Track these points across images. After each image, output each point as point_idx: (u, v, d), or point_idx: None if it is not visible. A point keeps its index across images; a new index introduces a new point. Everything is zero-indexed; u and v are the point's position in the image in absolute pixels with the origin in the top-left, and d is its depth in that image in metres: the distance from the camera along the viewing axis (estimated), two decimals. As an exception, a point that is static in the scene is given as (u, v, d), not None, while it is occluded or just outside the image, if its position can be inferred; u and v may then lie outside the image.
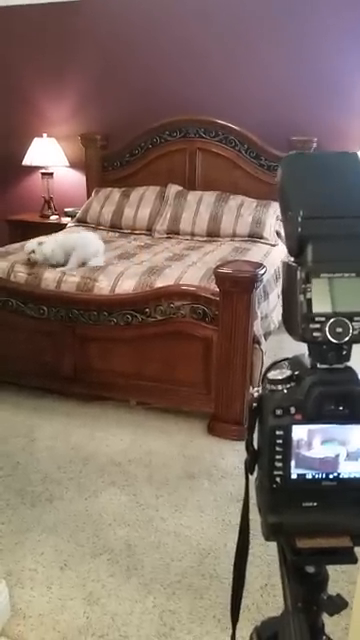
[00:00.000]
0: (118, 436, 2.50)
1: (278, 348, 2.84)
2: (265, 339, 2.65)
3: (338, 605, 0.56)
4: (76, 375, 2.70)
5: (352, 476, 0.48)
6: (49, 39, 4.34)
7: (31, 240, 2.90)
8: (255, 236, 3.49)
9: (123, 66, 4.17)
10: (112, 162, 4.23)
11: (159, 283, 2.60)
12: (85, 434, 2.51)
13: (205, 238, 3.59)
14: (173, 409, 2.66)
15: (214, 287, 2.41)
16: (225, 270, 2.36)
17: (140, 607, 1.61)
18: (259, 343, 2.50)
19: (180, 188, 3.88)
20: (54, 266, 2.81)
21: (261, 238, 3.47)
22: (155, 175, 4.03)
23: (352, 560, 0.50)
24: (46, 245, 2.82)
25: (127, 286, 2.64)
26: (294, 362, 0.52)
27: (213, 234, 3.58)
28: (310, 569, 0.54)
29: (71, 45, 4.29)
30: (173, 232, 3.68)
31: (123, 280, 2.67)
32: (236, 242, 3.48)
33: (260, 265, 2.45)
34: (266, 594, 1.65)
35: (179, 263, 2.90)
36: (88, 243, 2.93)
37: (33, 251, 2.80)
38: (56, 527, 1.92)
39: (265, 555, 1.73)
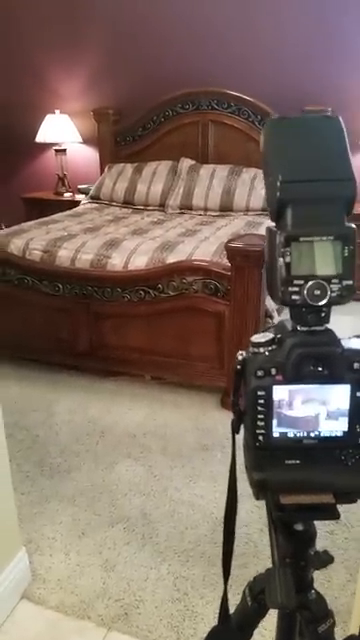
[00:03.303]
0: (133, 410, 2.55)
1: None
2: (278, 314, 2.65)
3: (324, 560, 0.58)
4: (92, 351, 2.75)
5: (333, 435, 0.49)
6: (59, 14, 4.29)
7: None
8: (269, 209, 3.46)
9: (134, 39, 4.12)
10: (125, 137, 4.21)
11: (171, 259, 2.61)
12: (101, 408, 2.56)
13: (218, 213, 3.57)
14: (187, 383, 2.69)
15: (226, 262, 2.41)
16: (236, 244, 2.35)
17: (155, 573, 1.66)
18: (271, 317, 2.50)
19: (193, 162, 3.85)
20: None
21: (275, 211, 3.43)
22: (168, 149, 4.00)
23: (335, 516, 0.52)
24: None
25: (139, 262, 2.65)
26: (279, 326, 0.53)
27: (226, 208, 3.56)
28: (299, 527, 0.56)
29: (81, 19, 4.24)
30: (186, 207, 3.66)
31: (136, 256, 2.68)
32: (249, 216, 3.45)
33: (272, 238, 2.43)
34: (277, 560, 1.68)
35: (192, 238, 2.90)
36: None
37: None
38: (74, 497, 1.98)
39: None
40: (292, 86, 3.73)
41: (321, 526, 1.81)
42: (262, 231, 2.93)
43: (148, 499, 1.97)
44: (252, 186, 3.54)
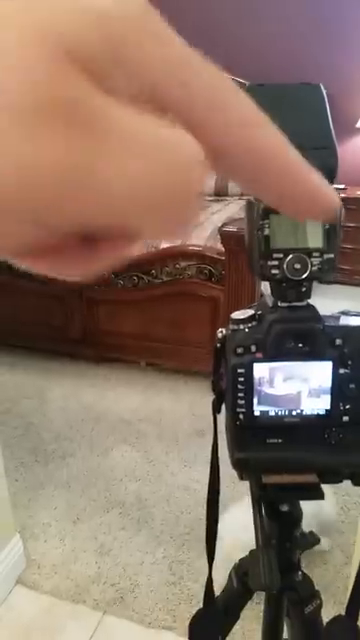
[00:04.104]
0: (128, 396, 2.54)
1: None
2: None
3: (310, 542, 0.57)
4: (85, 337, 2.73)
5: (314, 413, 0.48)
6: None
7: None
8: (264, 193, 3.43)
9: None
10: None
11: (165, 244, 2.58)
12: (96, 394, 2.56)
13: (213, 197, 3.54)
14: (182, 369, 2.68)
15: (220, 246, 2.39)
16: (230, 229, 2.33)
17: (150, 558, 1.66)
18: (266, 301, 2.49)
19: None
20: None
21: (270, 195, 3.41)
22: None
23: (319, 496, 0.51)
24: None
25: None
26: (260, 303, 0.51)
27: (221, 193, 3.53)
28: (284, 507, 0.56)
29: None
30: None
31: (129, 241, 2.65)
32: (244, 201, 3.42)
33: (266, 222, 2.41)
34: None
35: (185, 223, 2.87)
36: None
37: None
38: (69, 483, 1.98)
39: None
40: (285, 67, 3.67)
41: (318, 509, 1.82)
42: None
43: (143, 484, 1.97)
44: (246, 170, 3.51)
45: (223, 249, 2.36)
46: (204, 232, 2.68)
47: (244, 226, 0.50)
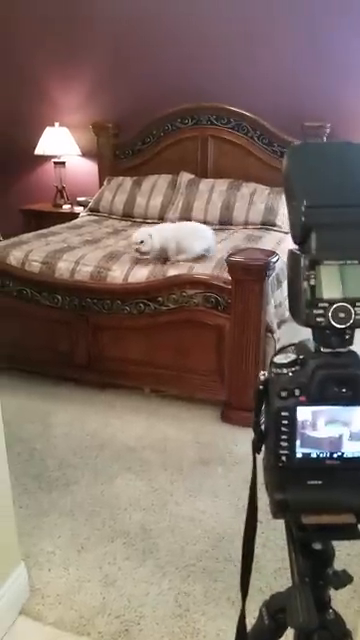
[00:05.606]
0: (133, 423, 2.54)
1: (293, 336, 2.84)
2: (279, 327, 2.66)
3: (343, 580, 0.58)
4: (90, 363, 2.74)
5: (355, 455, 0.49)
6: (59, 26, 4.33)
7: (141, 230, 2.88)
8: (268, 224, 3.48)
9: (134, 53, 4.16)
10: (124, 150, 4.24)
11: (172, 272, 2.62)
12: (100, 421, 2.55)
13: (217, 226, 3.58)
14: (186, 396, 2.69)
15: (227, 275, 2.42)
16: (237, 258, 2.37)
17: (155, 589, 1.64)
18: (272, 332, 2.51)
19: (192, 176, 3.88)
20: (162, 259, 2.80)
21: (274, 226, 3.47)
22: (167, 163, 4.03)
23: (355, 536, 0.52)
24: (155, 238, 2.78)
25: (140, 275, 2.66)
26: (300, 347, 0.54)
27: (226, 222, 3.58)
28: (317, 546, 0.57)
29: (82, 32, 4.29)
30: (185, 220, 3.68)
31: (136, 269, 2.69)
32: (249, 230, 3.47)
33: (272, 253, 2.45)
34: (279, 577, 1.67)
35: (191, 251, 2.91)
36: (198, 234, 2.87)
37: (142, 242, 2.76)
38: (73, 511, 1.96)
39: (278, 540, 1.75)
40: (291, 102, 3.78)
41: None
42: (262, 245, 2.95)
43: (148, 514, 1.96)
44: (251, 200, 3.57)
45: (229, 278, 2.39)
46: (210, 261, 2.72)
47: (286, 275, 0.52)
